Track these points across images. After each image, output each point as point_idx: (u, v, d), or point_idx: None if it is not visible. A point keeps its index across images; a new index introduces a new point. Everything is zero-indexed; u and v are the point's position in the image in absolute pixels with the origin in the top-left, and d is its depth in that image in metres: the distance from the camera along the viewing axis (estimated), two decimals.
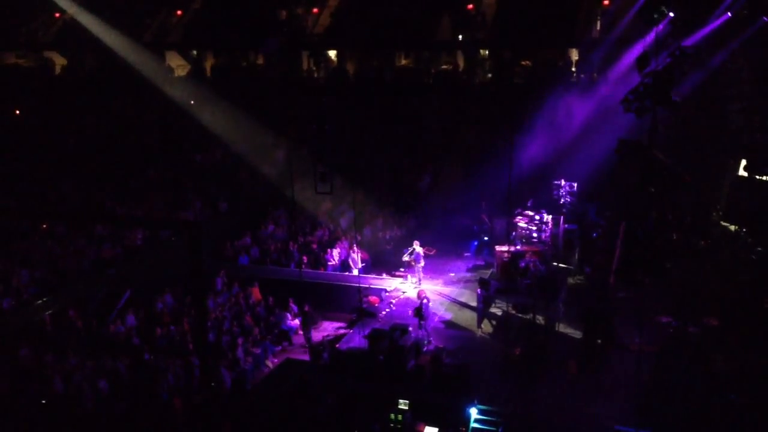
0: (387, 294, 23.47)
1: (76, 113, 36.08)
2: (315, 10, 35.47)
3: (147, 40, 36.75)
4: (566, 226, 24.96)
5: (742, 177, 24.54)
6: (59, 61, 39.89)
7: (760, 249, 21.90)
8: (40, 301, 22.06)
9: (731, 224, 24.19)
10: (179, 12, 37.58)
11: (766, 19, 23.39)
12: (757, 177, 23.75)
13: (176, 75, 37.29)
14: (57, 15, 38.82)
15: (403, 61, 35.94)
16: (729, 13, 24.80)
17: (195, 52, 38.29)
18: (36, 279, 23.20)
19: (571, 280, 23.44)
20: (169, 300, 22.84)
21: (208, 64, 37.60)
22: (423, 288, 22.63)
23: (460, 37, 33.01)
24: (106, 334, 21.14)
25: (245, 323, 21.64)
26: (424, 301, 20.20)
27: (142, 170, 32.85)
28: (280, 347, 21.62)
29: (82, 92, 36.46)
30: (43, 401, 18.33)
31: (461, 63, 34.06)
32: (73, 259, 24.62)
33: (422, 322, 20.03)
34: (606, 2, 30.46)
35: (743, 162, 24.53)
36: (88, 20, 35.79)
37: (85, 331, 21.26)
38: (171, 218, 27.89)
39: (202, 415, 14.83)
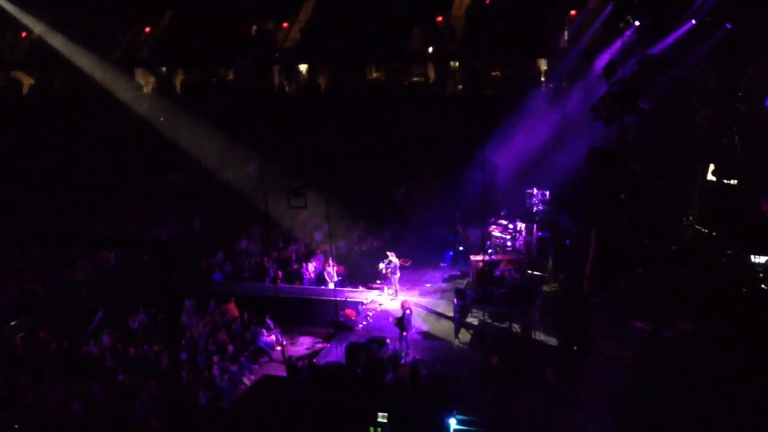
0: (364, 307, 23.39)
1: (45, 133, 35.66)
2: (285, 24, 35.51)
3: (116, 57, 36.55)
4: (539, 233, 25.14)
5: (711, 181, 24.91)
6: (27, 80, 39.51)
7: (729, 252, 22.22)
8: (10, 324, 21.66)
9: (703, 228, 24.53)
10: (148, 29, 37.41)
11: (729, 26, 23.85)
12: (725, 181, 24.14)
13: (145, 92, 37.10)
14: (24, 34, 38.48)
15: (375, 74, 36.08)
16: (693, 21, 25.25)
17: (164, 69, 38.11)
18: (6, 302, 22.80)
19: (545, 288, 23.56)
20: (143, 319, 22.55)
21: (178, 81, 37.44)
22: (405, 299, 22.58)
23: (431, 49, 33.24)
24: (80, 355, 20.83)
25: (220, 340, 21.43)
26: (407, 312, 20.16)
27: (114, 189, 32.52)
28: (257, 364, 21.40)
29: (51, 112, 36.10)
30: (16, 426, 18.00)
31: (432, 75, 34.27)
32: (44, 280, 24.25)
33: (403, 334, 20.01)
34: (573, 12, 30.85)
35: (711, 166, 24.90)
36: (55, 39, 35.52)
37: (58, 354, 20.93)
38: (143, 238, 27.63)
39: None
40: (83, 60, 34.96)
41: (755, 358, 17.43)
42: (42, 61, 37.60)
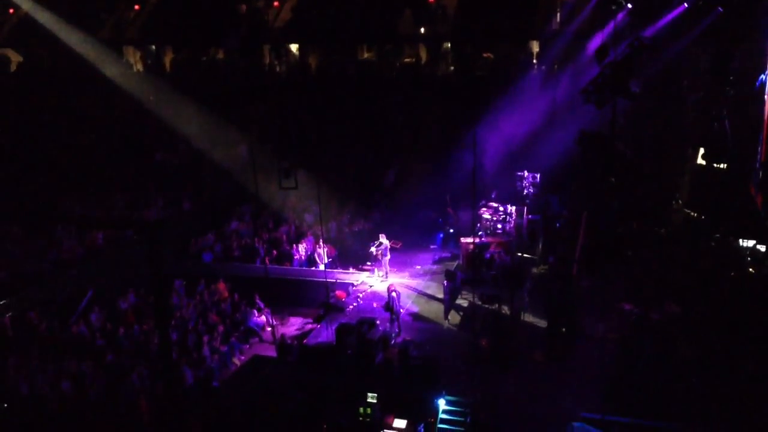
0: (354, 288, 23.46)
1: (33, 111, 35.32)
2: (275, 3, 35.20)
3: (105, 35, 36.17)
4: (530, 216, 25.22)
5: (701, 165, 25.00)
6: (15, 58, 39.09)
7: (718, 235, 22.35)
8: None
9: (692, 212, 24.65)
10: (137, 6, 37.04)
11: (720, 9, 23.81)
12: (715, 165, 24.22)
13: (135, 70, 36.80)
14: (11, 11, 38.00)
15: (366, 55, 35.87)
16: (686, 4, 25.20)
17: (154, 48, 37.77)
18: None
19: (535, 270, 23.68)
20: (133, 299, 22.52)
21: (168, 60, 37.12)
22: (392, 282, 22.66)
23: (422, 30, 33.07)
24: (69, 335, 20.80)
25: (210, 321, 21.44)
26: (393, 294, 20.21)
27: (103, 169, 32.31)
28: (247, 345, 21.44)
29: (39, 89, 35.74)
30: (5, 404, 17.99)
31: (424, 56, 34.12)
32: (32, 260, 24.13)
33: (393, 317, 20.08)
34: None
35: (701, 150, 24.98)
36: (44, 16, 35.07)
37: (48, 333, 20.89)
38: (132, 218, 27.49)
39: (168, 416, 14.67)
40: (71, 37, 34.55)
41: (742, 341, 17.61)
42: (30, 39, 37.16)
